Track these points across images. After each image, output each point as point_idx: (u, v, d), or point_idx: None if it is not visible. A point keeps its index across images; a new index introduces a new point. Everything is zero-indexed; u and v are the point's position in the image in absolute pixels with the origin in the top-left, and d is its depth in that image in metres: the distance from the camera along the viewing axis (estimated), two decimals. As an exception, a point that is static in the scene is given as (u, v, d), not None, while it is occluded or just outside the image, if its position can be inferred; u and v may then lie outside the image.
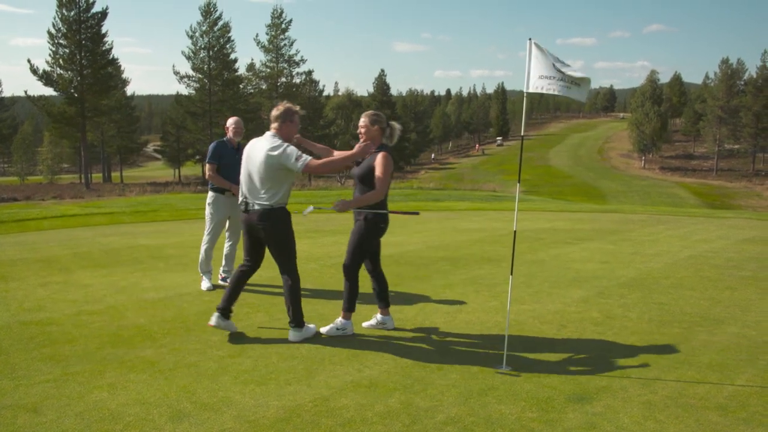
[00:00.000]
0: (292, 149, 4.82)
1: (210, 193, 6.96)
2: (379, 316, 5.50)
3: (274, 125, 4.99)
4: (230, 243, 7.12)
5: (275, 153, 4.81)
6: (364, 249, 5.25)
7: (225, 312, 5.12)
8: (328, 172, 5.12)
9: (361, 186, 5.16)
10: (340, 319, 5.29)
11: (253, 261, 5.22)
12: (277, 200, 4.92)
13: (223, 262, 7.14)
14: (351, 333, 5.26)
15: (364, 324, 5.50)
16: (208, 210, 6.99)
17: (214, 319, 5.09)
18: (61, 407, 3.70)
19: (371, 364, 4.52)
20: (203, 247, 6.98)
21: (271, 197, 4.90)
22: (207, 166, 6.79)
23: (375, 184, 5.03)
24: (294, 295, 5.08)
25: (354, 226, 5.24)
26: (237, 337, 5.11)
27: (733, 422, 3.62)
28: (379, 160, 5.05)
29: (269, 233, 4.96)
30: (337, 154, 5.31)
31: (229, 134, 6.93)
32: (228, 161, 6.75)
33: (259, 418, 3.59)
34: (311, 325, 5.24)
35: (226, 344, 4.94)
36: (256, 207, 4.92)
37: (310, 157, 4.82)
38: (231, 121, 6.94)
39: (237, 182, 6.24)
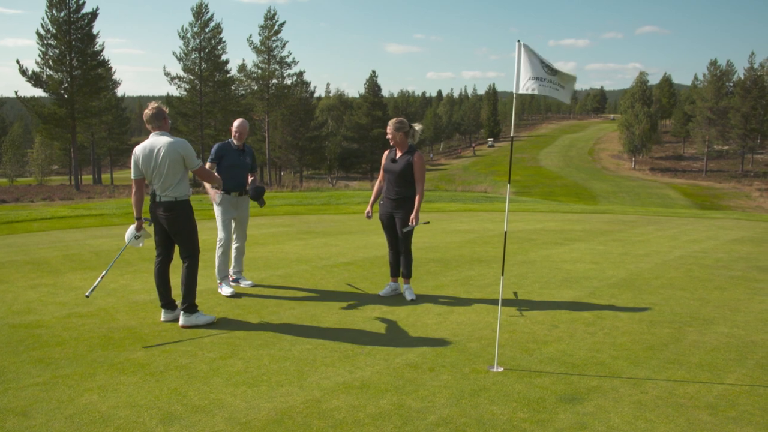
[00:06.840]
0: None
1: (218, 195, 6.81)
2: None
3: (158, 124, 5.38)
4: (237, 245, 7.05)
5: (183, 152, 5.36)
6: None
7: (171, 305, 5.65)
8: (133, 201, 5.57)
9: (399, 180, 6.29)
10: (400, 284, 6.69)
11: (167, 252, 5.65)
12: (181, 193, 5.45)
13: (233, 263, 7.12)
14: (413, 298, 6.50)
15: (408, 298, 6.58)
16: (218, 211, 6.86)
17: (163, 315, 5.64)
18: (51, 411, 3.68)
19: (363, 365, 4.52)
20: (219, 251, 6.86)
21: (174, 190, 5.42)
22: (207, 165, 6.57)
23: (416, 183, 6.30)
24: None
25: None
26: (228, 339, 5.10)
27: (722, 421, 3.64)
28: (416, 160, 6.26)
29: (172, 223, 5.44)
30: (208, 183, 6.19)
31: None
32: (231, 162, 6.76)
33: (251, 420, 3.59)
34: (208, 316, 5.61)
35: (217, 346, 4.92)
36: (164, 199, 5.42)
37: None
38: (236, 124, 6.87)
39: (241, 183, 6.87)
